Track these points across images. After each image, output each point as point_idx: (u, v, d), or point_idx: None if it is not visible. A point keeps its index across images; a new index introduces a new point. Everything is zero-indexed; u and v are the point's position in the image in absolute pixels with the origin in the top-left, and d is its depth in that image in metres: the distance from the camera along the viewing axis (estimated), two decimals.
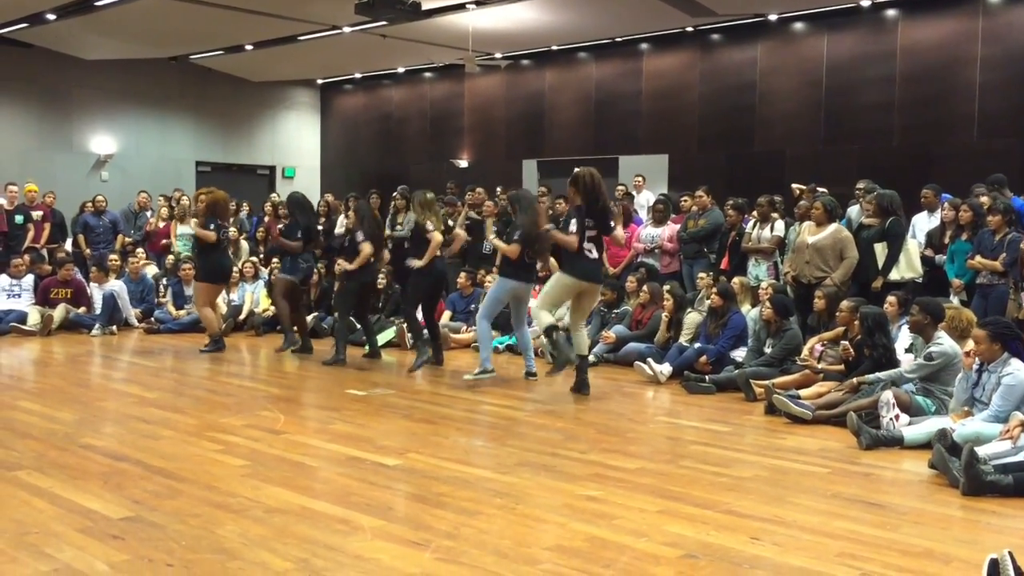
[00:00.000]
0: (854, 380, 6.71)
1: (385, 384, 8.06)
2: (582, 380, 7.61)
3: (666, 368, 8.21)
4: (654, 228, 10.84)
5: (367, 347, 9.39)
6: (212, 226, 9.59)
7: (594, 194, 7.43)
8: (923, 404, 6.26)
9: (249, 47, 17.39)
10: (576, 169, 7.57)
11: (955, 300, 8.21)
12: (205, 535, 4.04)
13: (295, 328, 9.66)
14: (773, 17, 14.66)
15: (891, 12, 13.82)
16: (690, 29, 15.49)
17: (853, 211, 10.02)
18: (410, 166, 19.85)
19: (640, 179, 14.00)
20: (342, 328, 9.15)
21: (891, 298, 7.60)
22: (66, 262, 11.68)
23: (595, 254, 7.49)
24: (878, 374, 6.49)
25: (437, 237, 8.51)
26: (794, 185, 11.16)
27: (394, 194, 10.57)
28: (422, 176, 18.77)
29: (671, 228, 10.64)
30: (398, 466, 5.28)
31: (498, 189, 13.50)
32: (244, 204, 14.82)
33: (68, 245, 13.43)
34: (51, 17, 14.92)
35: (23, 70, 17.83)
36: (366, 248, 8.90)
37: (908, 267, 8.61)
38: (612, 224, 7.64)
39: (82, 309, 11.30)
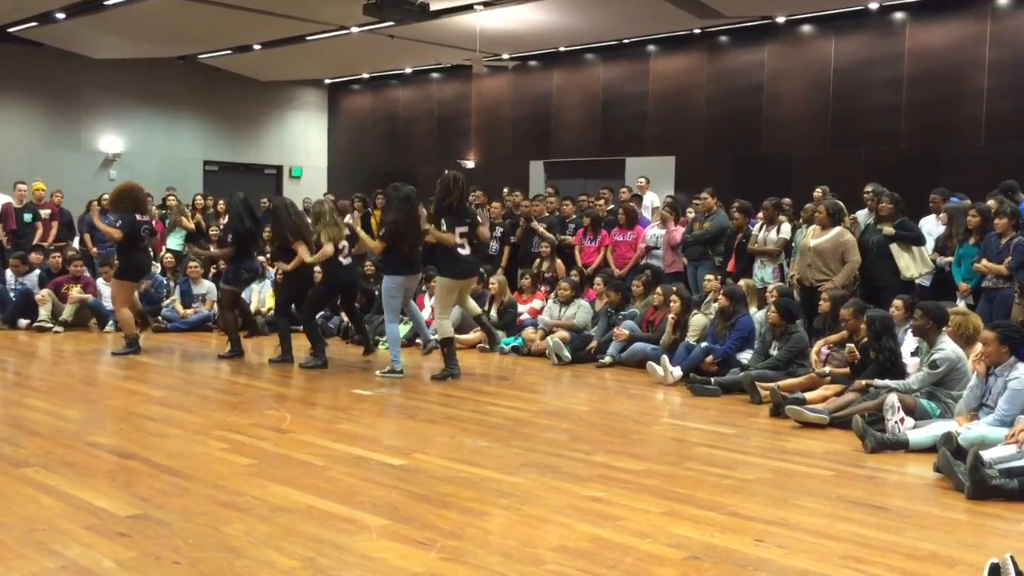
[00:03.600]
0: (862, 383, 6.70)
1: (390, 384, 8.08)
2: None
3: (677, 371, 8.22)
4: (659, 228, 10.86)
5: (363, 346, 9.42)
6: (120, 222, 9.30)
7: (458, 194, 8.14)
8: (928, 407, 6.26)
9: (257, 47, 17.45)
10: (445, 171, 8.40)
11: (962, 304, 8.21)
12: (212, 533, 4.06)
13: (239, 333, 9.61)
14: (781, 19, 14.67)
15: (899, 15, 13.81)
16: (697, 31, 15.50)
17: (861, 215, 10.02)
18: (417, 166, 19.88)
19: (643, 180, 14.01)
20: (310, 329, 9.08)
21: (897, 302, 7.59)
22: (76, 259, 11.74)
23: (467, 250, 8.18)
24: (888, 382, 6.47)
25: (327, 249, 8.72)
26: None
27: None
28: (429, 176, 18.76)
29: (678, 230, 10.64)
30: (403, 466, 5.30)
31: (505, 190, 13.54)
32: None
33: (76, 244, 13.49)
34: (60, 16, 14.99)
35: (32, 69, 17.92)
36: (300, 249, 8.80)
37: (923, 263, 8.62)
38: (479, 221, 8.45)
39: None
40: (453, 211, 8.14)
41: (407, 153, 20.46)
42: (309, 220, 9.37)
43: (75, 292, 11.27)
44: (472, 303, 8.73)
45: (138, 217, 9.48)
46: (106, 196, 13.58)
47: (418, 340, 9.14)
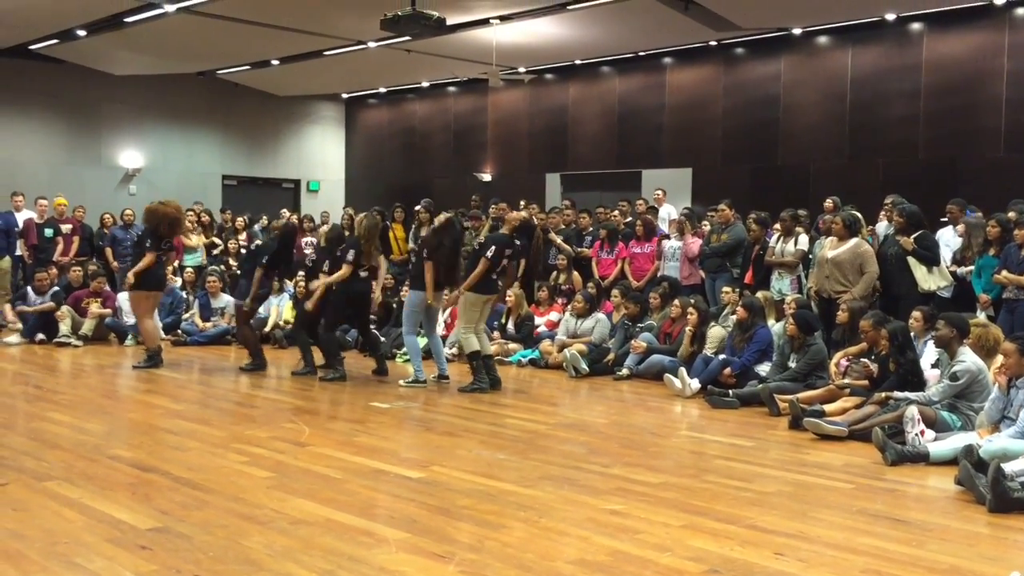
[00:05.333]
0: (882, 395, 6.66)
1: (411, 396, 8.10)
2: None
3: (695, 383, 8.21)
4: (676, 240, 10.86)
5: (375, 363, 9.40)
6: (141, 236, 9.59)
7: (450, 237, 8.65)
8: (949, 420, 6.22)
9: (275, 62, 17.58)
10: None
11: (982, 315, 8.15)
12: (231, 546, 4.08)
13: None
14: (797, 31, 14.66)
15: (916, 25, 13.78)
16: (714, 43, 15.50)
17: (881, 226, 9.98)
18: (434, 180, 19.96)
19: (660, 192, 14.01)
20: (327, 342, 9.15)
21: (916, 313, 7.55)
22: (98, 275, 11.84)
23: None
24: (908, 394, 6.43)
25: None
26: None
27: (417, 207, 10.61)
28: (446, 190, 18.88)
29: (695, 242, 10.64)
30: (422, 479, 5.31)
31: (521, 203, 13.56)
32: (262, 217, 14.88)
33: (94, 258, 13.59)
34: (81, 33, 15.17)
35: (53, 85, 18.12)
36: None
37: (941, 276, 8.57)
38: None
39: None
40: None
41: (424, 166, 20.54)
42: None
43: (95, 308, 11.37)
44: (473, 340, 8.57)
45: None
46: (128, 211, 13.77)
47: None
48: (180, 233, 10.00)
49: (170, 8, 13.32)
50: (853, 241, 8.61)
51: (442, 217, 8.84)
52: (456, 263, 8.76)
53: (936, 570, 3.95)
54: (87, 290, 11.62)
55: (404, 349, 10.02)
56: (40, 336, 11.15)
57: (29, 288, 11.72)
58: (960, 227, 9.29)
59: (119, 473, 5.32)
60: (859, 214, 9.28)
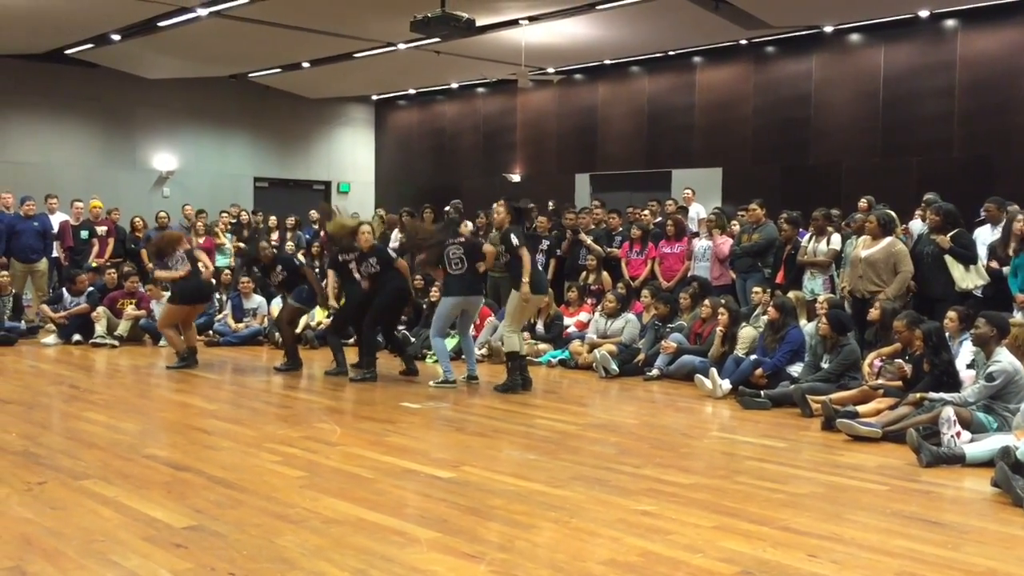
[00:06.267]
0: (917, 395, 6.59)
1: (441, 396, 8.13)
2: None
3: (726, 384, 8.16)
4: (706, 240, 10.80)
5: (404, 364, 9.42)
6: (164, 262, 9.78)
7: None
8: (985, 421, 6.14)
9: (306, 65, 17.70)
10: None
11: (1018, 315, 8.02)
12: (265, 545, 4.12)
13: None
14: (829, 29, 14.53)
15: (950, 22, 13.60)
16: (744, 42, 15.41)
17: (915, 225, 9.86)
18: (463, 181, 19.99)
19: (690, 192, 13.93)
20: (370, 341, 9.21)
21: (952, 313, 7.46)
22: (132, 275, 11.99)
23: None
24: (943, 395, 6.36)
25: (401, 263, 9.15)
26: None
27: (447, 208, 10.62)
28: (475, 190, 18.91)
29: (725, 242, 10.57)
30: (452, 479, 5.32)
31: (550, 204, 13.55)
32: (292, 218, 15.00)
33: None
34: (116, 38, 15.35)
35: (89, 89, 18.37)
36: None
37: (978, 275, 8.45)
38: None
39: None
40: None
41: (453, 167, 20.59)
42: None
43: (130, 309, 11.51)
44: (514, 339, 8.59)
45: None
46: (162, 213, 13.98)
47: (463, 356, 9.15)
48: (173, 253, 10.02)
49: (202, 12, 13.45)
50: (887, 240, 8.53)
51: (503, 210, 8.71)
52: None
53: (972, 573, 3.90)
54: (122, 291, 11.77)
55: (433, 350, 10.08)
56: (76, 337, 11.30)
57: (64, 290, 11.89)
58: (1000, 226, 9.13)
59: (154, 472, 5.39)
60: (892, 213, 9.18)
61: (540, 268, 8.53)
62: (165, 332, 9.81)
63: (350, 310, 9.25)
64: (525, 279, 8.25)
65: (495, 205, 8.82)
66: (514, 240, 8.37)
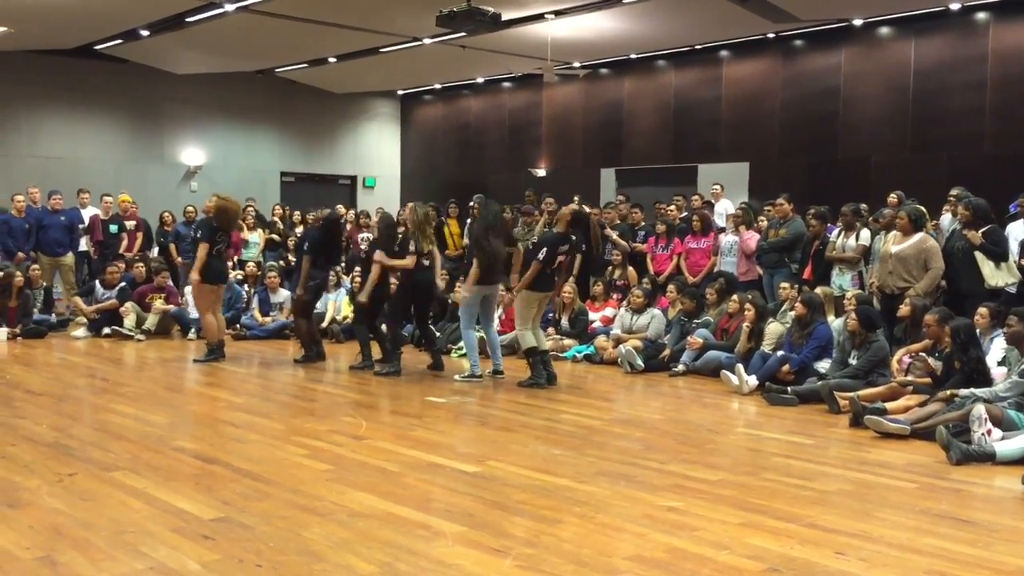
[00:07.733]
0: (947, 392, 6.52)
1: (467, 390, 8.14)
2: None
3: (752, 380, 8.11)
4: (733, 236, 10.74)
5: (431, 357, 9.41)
6: (200, 231, 9.67)
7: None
8: (1016, 418, 6.06)
9: (332, 60, 17.77)
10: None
11: None
12: (292, 537, 4.14)
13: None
14: (858, 22, 14.38)
15: (981, 15, 13.42)
16: (771, 35, 15.29)
17: (945, 220, 9.75)
18: (488, 175, 19.99)
19: (718, 187, 13.86)
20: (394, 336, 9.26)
21: (983, 309, 7.38)
22: (161, 270, 12.08)
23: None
24: (973, 390, 6.28)
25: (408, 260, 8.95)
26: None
27: (471, 203, 10.61)
28: (500, 185, 18.91)
29: (752, 237, 10.50)
30: (478, 473, 5.33)
31: (575, 198, 13.51)
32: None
33: (155, 253, 13.86)
34: (144, 33, 15.49)
35: (118, 84, 18.54)
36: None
37: (1009, 272, 8.35)
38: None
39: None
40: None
41: (479, 162, 20.60)
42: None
43: (158, 304, 11.60)
44: (529, 337, 8.57)
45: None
46: (190, 207, 14.03)
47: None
48: (234, 228, 10.12)
49: (230, 7, 13.53)
50: (918, 236, 8.43)
51: (567, 210, 8.89)
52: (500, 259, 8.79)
53: (1003, 572, 3.86)
54: (150, 285, 11.86)
55: (460, 343, 10.08)
56: (106, 330, 11.42)
57: (96, 282, 12.01)
58: None
59: (183, 464, 5.43)
60: (923, 209, 9.08)
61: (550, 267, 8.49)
62: (206, 318, 9.83)
63: (382, 303, 9.29)
64: (515, 275, 8.44)
65: (563, 209, 9.05)
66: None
